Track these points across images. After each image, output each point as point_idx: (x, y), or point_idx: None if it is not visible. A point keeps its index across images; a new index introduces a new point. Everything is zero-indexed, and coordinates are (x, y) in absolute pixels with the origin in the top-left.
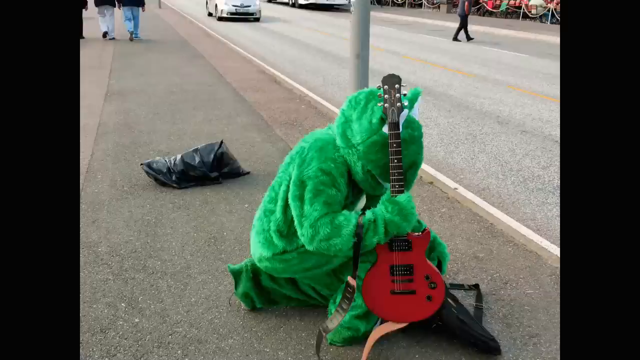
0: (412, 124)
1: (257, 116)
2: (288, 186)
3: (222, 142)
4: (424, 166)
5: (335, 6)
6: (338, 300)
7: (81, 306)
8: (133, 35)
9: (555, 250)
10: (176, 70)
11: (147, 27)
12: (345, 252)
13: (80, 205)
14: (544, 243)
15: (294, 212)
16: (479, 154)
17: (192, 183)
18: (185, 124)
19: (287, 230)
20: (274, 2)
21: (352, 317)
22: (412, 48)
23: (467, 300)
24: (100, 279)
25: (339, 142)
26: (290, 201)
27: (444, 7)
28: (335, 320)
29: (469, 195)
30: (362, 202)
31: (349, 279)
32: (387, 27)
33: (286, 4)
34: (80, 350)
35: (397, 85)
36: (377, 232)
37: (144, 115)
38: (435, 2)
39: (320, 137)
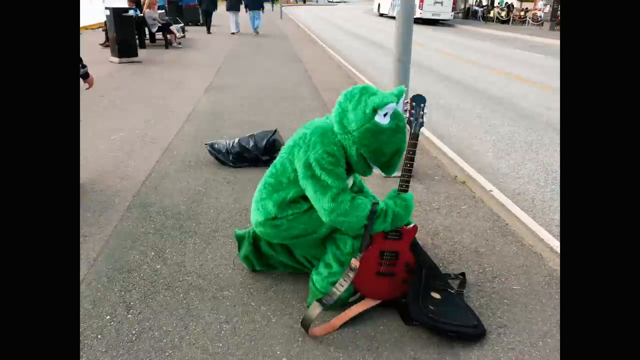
0: (398, 115)
1: (327, 112)
2: (288, 165)
3: (275, 130)
4: (464, 167)
5: (440, 21)
6: (320, 269)
7: (119, 251)
8: (255, 31)
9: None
10: (272, 71)
11: (263, 34)
12: (355, 230)
13: (150, 174)
14: (552, 247)
15: (310, 190)
16: (528, 162)
17: (246, 164)
18: (262, 116)
19: (281, 201)
20: (384, 17)
21: (329, 284)
22: (500, 61)
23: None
24: (142, 232)
25: (336, 129)
26: (302, 182)
27: (547, 25)
28: (334, 295)
29: (499, 197)
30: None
31: (353, 261)
32: (483, 42)
33: (394, 18)
34: (105, 285)
35: (422, 105)
36: (385, 221)
37: (231, 107)
38: (539, 19)
39: (320, 124)
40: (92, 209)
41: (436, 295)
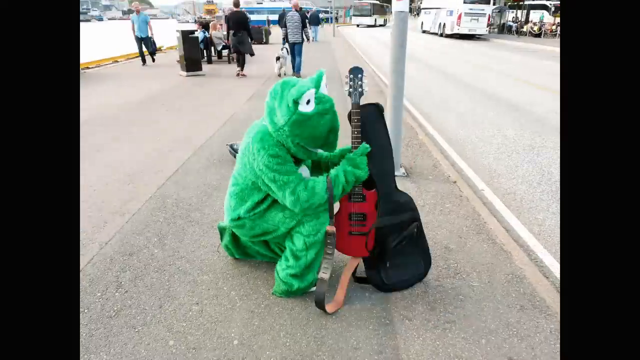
0: (322, 99)
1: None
2: (244, 175)
3: None
4: (463, 167)
5: (476, 36)
6: (282, 261)
7: (128, 236)
8: (313, 40)
9: (536, 253)
10: None
11: (316, 48)
12: (324, 205)
13: (178, 170)
14: (530, 246)
15: (273, 192)
16: (526, 164)
17: None
18: None
19: (242, 203)
20: (426, 33)
21: (287, 275)
22: (524, 70)
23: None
24: (153, 220)
25: (270, 129)
26: (264, 187)
27: None
28: (328, 269)
29: (489, 196)
30: (305, 170)
31: (328, 228)
32: (512, 53)
33: (435, 34)
34: (106, 266)
35: (359, 75)
36: (339, 181)
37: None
38: None
39: (258, 130)
40: (121, 199)
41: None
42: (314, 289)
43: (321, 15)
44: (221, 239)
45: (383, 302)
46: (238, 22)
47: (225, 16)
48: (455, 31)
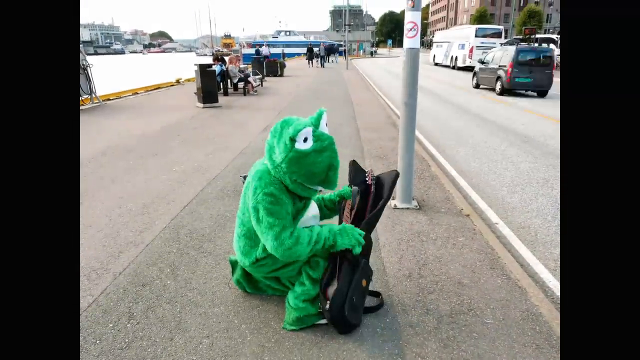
0: (320, 137)
1: (358, 149)
2: (248, 215)
3: None
4: (476, 199)
5: None
6: (296, 288)
7: (142, 267)
8: (334, 62)
9: (552, 290)
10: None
11: (330, 80)
12: (304, 257)
13: (192, 200)
14: (544, 280)
15: (259, 232)
16: (540, 197)
17: None
18: None
19: (252, 244)
20: (438, 65)
21: (301, 300)
22: (536, 103)
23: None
24: (166, 251)
25: (269, 166)
26: (254, 226)
27: None
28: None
29: (503, 230)
30: (314, 208)
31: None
32: None
33: (447, 66)
34: (119, 296)
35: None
36: (324, 241)
37: None
38: None
39: (259, 169)
40: (136, 229)
41: (364, 283)
42: (323, 321)
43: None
44: (232, 273)
45: (395, 338)
46: None
47: None
48: (467, 64)
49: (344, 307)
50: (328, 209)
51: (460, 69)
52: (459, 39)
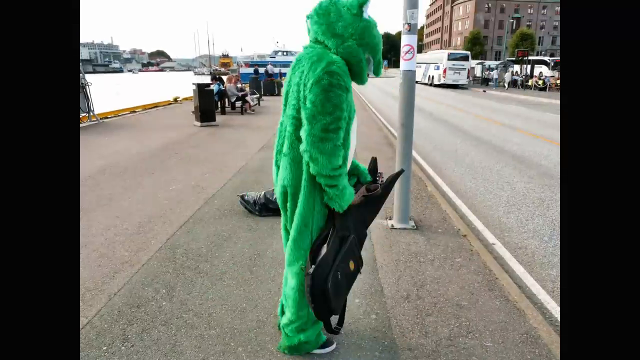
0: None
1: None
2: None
3: None
4: (472, 220)
5: (459, 86)
6: (287, 317)
7: (137, 287)
8: None
9: (551, 312)
10: None
11: None
12: (326, 173)
13: (189, 219)
14: (542, 302)
15: (306, 117)
16: (537, 217)
17: (270, 213)
18: None
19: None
20: (418, 83)
21: (294, 330)
22: (531, 123)
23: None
24: (162, 271)
25: (331, 44)
26: (303, 109)
27: None
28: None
29: (500, 250)
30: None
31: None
32: (517, 106)
33: (426, 84)
34: (114, 318)
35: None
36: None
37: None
38: None
39: (310, 52)
40: (131, 249)
41: (352, 267)
42: (318, 351)
43: None
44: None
45: None
46: None
47: None
48: (442, 82)
49: (328, 278)
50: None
51: (436, 86)
52: (434, 62)
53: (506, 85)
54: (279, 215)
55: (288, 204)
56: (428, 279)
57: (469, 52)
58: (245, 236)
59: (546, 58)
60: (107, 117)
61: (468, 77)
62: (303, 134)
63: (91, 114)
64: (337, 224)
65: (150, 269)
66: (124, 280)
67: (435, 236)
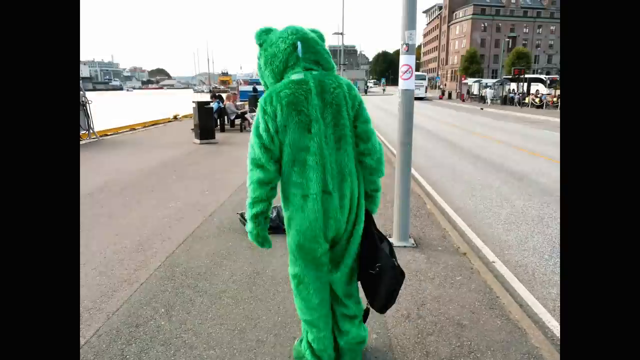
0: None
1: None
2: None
3: None
4: (472, 238)
5: (425, 98)
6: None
7: (135, 306)
8: None
9: (552, 331)
10: None
11: None
12: (379, 173)
13: (188, 237)
14: (544, 321)
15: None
16: (536, 235)
17: (270, 232)
18: None
19: None
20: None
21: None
22: (528, 140)
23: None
24: (161, 290)
25: (332, 65)
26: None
27: None
28: None
29: (500, 269)
30: None
31: None
32: (516, 124)
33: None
34: (112, 338)
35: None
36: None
37: None
38: None
39: (344, 80)
40: (130, 267)
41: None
42: None
43: None
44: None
45: None
46: None
47: None
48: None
49: (395, 265)
50: None
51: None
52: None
53: (488, 101)
54: (278, 233)
55: (341, 246)
56: (428, 297)
57: (425, 74)
58: (244, 255)
59: (542, 76)
60: (107, 135)
61: (426, 91)
62: (367, 145)
63: (91, 131)
64: (373, 227)
65: (150, 288)
66: (123, 299)
67: (435, 254)
